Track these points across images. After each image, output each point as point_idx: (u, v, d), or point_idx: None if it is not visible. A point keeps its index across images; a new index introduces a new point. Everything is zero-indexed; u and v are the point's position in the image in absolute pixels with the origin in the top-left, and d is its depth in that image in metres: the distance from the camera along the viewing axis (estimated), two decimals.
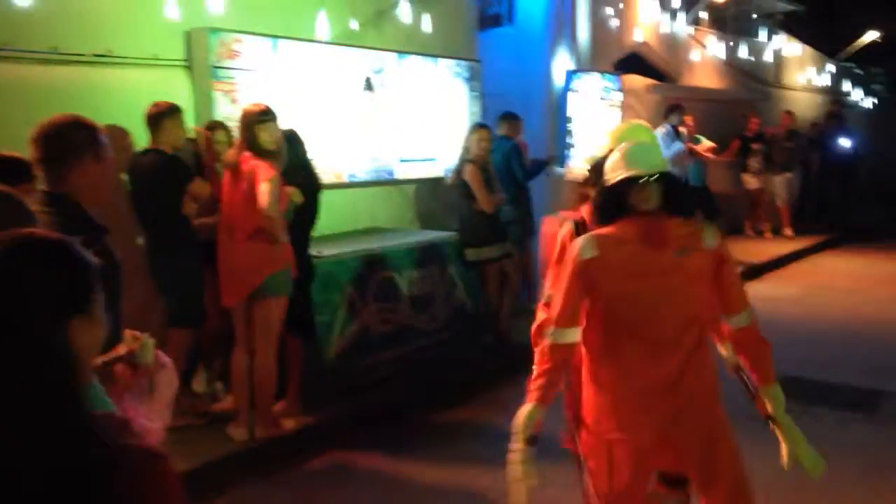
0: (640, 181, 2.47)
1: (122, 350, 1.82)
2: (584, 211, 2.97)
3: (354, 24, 6.30)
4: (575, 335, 2.56)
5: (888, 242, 11.24)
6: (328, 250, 5.14)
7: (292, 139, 4.68)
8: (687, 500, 2.85)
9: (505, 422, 4.95)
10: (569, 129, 8.57)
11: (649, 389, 2.52)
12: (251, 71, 5.26)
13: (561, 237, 2.96)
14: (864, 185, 12.84)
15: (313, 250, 4.88)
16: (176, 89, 4.93)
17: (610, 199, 2.55)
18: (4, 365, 1.11)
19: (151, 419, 1.74)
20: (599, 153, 3.00)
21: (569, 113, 8.51)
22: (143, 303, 4.47)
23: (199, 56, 5.03)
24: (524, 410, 2.52)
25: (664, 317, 2.51)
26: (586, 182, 3.12)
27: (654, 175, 2.48)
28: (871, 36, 16.20)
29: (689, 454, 2.57)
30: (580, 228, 2.89)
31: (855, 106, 17.67)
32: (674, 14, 11.01)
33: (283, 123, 4.76)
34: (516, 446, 2.49)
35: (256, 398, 4.43)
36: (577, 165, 8.49)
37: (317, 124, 5.67)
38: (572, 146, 8.61)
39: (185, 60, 5.07)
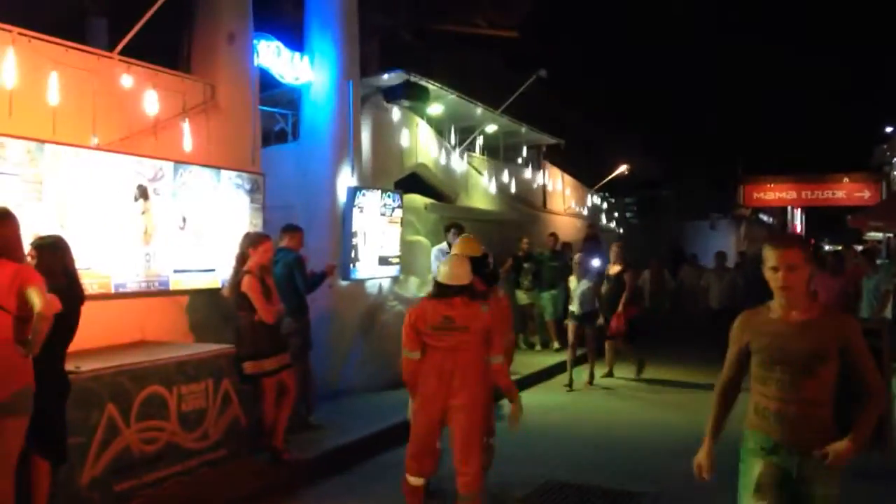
0: None
1: None
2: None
3: (131, 132, 6.18)
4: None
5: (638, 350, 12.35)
6: (87, 365, 4.81)
7: (52, 245, 4.47)
8: None
9: None
10: (353, 243, 8.80)
11: None
12: (12, 175, 4.96)
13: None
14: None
15: (70, 365, 4.55)
16: None
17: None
18: None
19: None
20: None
21: (353, 228, 8.76)
22: None
23: None
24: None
25: None
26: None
27: None
28: (622, 169, 18.42)
29: None
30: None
31: (609, 229, 19.76)
32: (451, 141, 11.89)
33: (50, 230, 4.54)
34: None
35: None
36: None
37: (84, 231, 5.40)
38: (357, 259, 8.83)
39: None
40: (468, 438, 4.66)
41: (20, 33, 5.43)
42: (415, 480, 4.78)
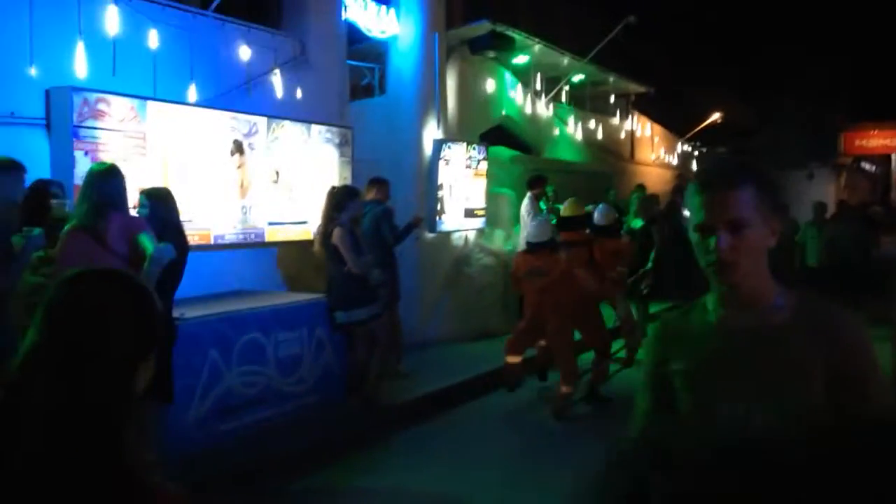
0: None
1: None
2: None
3: (226, 88, 6.37)
4: None
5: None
6: (192, 312, 5.07)
7: (164, 197, 4.68)
8: None
9: (366, 482, 5.03)
10: (438, 195, 8.88)
11: None
12: (117, 131, 5.20)
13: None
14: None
15: (175, 312, 4.81)
16: (34, 148, 4.82)
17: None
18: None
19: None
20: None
21: (439, 180, 8.83)
22: None
23: (59, 115, 4.94)
24: None
25: None
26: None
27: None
28: (714, 117, 17.79)
29: None
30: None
31: None
32: (537, 92, 11.72)
33: (152, 183, 4.75)
34: None
35: None
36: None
37: (185, 185, 5.64)
38: (443, 212, 8.91)
39: (44, 119, 4.98)
40: (559, 354, 6.54)
41: None
42: (510, 358, 6.69)
